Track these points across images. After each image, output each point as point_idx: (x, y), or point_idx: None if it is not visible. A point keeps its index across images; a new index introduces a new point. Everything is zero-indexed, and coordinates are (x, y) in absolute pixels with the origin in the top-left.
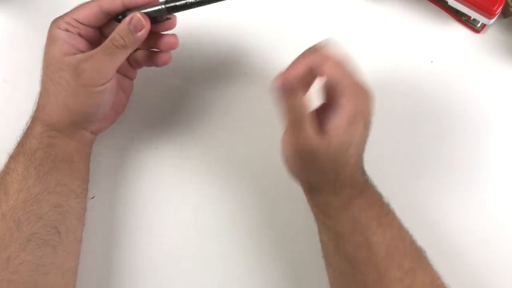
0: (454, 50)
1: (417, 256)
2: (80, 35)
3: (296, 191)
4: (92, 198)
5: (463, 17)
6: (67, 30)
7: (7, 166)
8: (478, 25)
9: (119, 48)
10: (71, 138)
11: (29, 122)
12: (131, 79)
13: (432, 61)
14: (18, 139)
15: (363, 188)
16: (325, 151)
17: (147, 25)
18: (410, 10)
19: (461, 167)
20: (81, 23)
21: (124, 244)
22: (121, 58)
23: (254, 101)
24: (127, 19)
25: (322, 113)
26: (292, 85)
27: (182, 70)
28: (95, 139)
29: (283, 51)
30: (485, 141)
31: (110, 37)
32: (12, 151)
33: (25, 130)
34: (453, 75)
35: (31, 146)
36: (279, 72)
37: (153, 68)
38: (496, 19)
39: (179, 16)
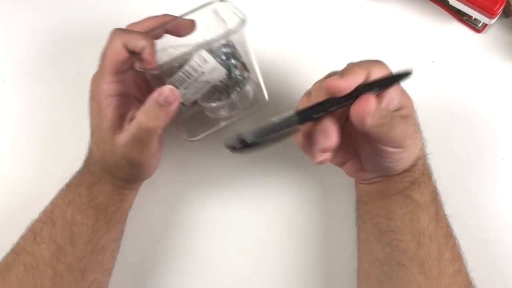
0: (455, 50)
1: (459, 247)
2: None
3: (296, 191)
4: None
5: (464, 17)
6: (111, 96)
7: (73, 217)
8: (479, 24)
9: (148, 133)
10: (136, 191)
11: (94, 179)
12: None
13: (433, 61)
14: (82, 190)
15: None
16: (412, 111)
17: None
18: (411, 10)
19: (461, 167)
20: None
21: (124, 244)
22: (154, 138)
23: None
24: (155, 94)
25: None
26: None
27: None
28: None
29: (283, 51)
30: (486, 141)
31: (136, 118)
32: (73, 200)
33: (92, 185)
34: (454, 75)
35: (103, 202)
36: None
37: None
38: (497, 19)
39: None
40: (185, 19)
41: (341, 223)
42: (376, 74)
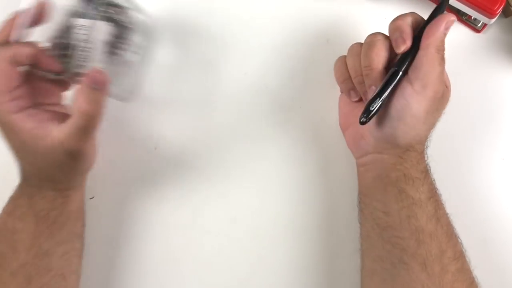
0: (454, 50)
1: (462, 245)
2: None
3: (296, 191)
4: (91, 198)
5: (464, 17)
6: (21, 110)
7: (14, 226)
8: (479, 24)
9: (93, 119)
10: (81, 190)
11: (33, 189)
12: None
13: None
14: (22, 200)
15: (428, 163)
16: (447, 99)
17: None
18: (411, 9)
19: (461, 167)
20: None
21: (124, 244)
22: (98, 123)
23: (255, 101)
24: (87, 80)
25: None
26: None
27: (181, 71)
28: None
29: (283, 50)
30: (486, 141)
31: (78, 108)
32: (14, 210)
33: (32, 195)
34: (453, 75)
35: (44, 208)
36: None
37: (152, 70)
38: (497, 19)
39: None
40: (34, 7)
41: (342, 222)
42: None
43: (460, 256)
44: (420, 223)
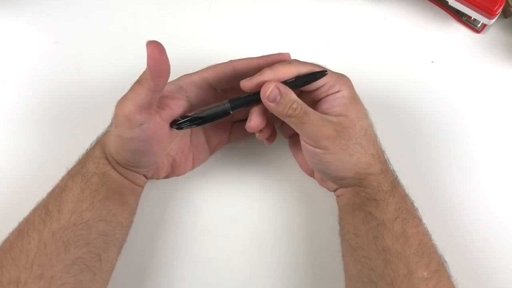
0: (454, 50)
1: (441, 260)
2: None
3: (296, 191)
4: None
5: (463, 17)
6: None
7: (65, 183)
8: (479, 25)
9: (138, 84)
10: (123, 175)
11: (94, 142)
12: (210, 152)
13: (432, 61)
14: (81, 155)
15: (395, 177)
16: (351, 122)
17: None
18: (411, 10)
19: (461, 167)
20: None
21: (124, 245)
22: (141, 96)
23: None
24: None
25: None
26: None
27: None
28: (148, 180)
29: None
30: (486, 141)
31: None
32: (72, 167)
33: (89, 149)
34: (453, 75)
35: (90, 169)
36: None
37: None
38: (497, 19)
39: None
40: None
41: None
42: (287, 73)
43: (432, 276)
44: (386, 243)
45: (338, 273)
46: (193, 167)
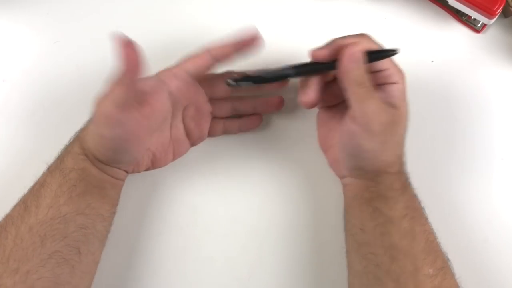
0: (454, 50)
1: (446, 258)
2: None
3: (296, 190)
4: None
5: (463, 17)
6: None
7: (44, 178)
8: (479, 25)
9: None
10: (103, 170)
11: (72, 137)
12: (190, 145)
13: (432, 61)
14: (60, 151)
15: (407, 178)
16: (402, 118)
17: (137, 48)
18: (411, 10)
19: (460, 167)
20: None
21: (124, 245)
22: (119, 94)
23: None
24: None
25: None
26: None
27: None
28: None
29: (283, 50)
30: (486, 141)
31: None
32: (52, 163)
33: (67, 144)
34: (453, 75)
35: (68, 165)
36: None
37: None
38: (497, 19)
39: None
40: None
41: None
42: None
43: (438, 274)
44: (393, 240)
45: (339, 272)
46: (173, 159)
